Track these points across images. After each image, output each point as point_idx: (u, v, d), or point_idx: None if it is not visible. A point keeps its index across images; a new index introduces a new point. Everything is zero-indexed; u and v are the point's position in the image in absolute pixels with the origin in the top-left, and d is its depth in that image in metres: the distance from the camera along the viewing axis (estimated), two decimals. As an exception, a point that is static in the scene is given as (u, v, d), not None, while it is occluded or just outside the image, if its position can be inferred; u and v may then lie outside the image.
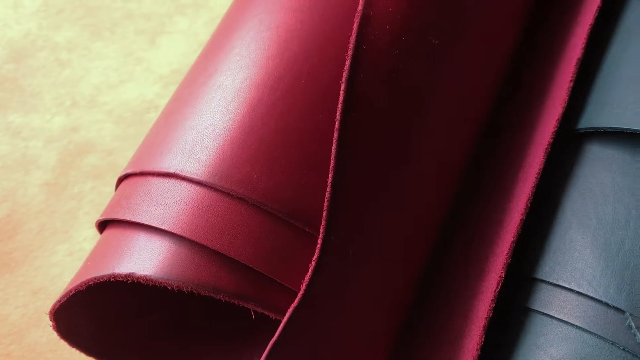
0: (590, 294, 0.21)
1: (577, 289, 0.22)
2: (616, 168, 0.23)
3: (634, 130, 0.23)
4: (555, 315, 0.22)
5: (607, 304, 0.21)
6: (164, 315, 0.28)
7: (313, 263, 0.20)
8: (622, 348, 0.21)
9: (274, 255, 0.21)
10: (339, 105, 0.21)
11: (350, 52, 0.22)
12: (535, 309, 0.23)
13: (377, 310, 0.22)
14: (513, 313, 0.23)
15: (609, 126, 0.23)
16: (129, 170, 0.24)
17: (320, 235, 0.20)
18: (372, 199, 0.21)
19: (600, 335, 0.21)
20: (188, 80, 0.25)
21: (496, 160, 0.27)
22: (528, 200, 0.23)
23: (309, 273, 0.20)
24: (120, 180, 0.24)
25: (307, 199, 0.21)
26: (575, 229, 0.23)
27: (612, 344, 0.21)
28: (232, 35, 0.25)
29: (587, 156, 0.24)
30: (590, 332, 0.21)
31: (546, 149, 0.24)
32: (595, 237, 0.22)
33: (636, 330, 0.20)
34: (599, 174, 0.23)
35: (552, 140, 0.24)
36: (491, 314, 0.22)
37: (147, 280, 0.20)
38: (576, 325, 0.21)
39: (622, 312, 0.21)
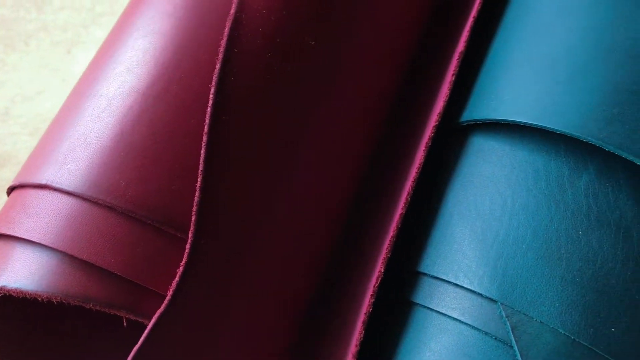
0: (465, 285, 0.22)
1: (454, 281, 0.22)
2: (495, 159, 0.23)
3: (509, 121, 0.23)
4: (435, 308, 0.22)
5: (480, 295, 0.21)
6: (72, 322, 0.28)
7: (181, 268, 0.20)
8: (494, 337, 0.21)
9: (145, 262, 0.21)
10: (208, 109, 0.21)
11: (220, 56, 0.22)
12: (419, 302, 0.23)
13: (261, 312, 0.22)
14: (399, 308, 0.24)
15: (486, 118, 0.24)
16: (12, 183, 0.24)
17: (189, 240, 0.20)
18: (245, 202, 0.22)
19: (474, 326, 0.21)
20: (73, 90, 0.25)
21: (389, 158, 0.27)
22: (408, 195, 0.23)
23: (177, 278, 0.20)
24: (8, 193, 0.24)
25: (179, 204, 0.21)
26: (456, 221, 0.23)
27: (485, 334, 0.21)
28: (114, 44, 0.25)
29: (471, 149, 0.24)
30: (465, 324, 0.21)
31: (426, 143, 0.24)
32: (473, 228, 0.23)
33: (506, 319, 0.21)
34: (479, 165, 0.24)
35: (432, 134, 0.24)
36: (370, 310, 0.22)
37: (17, 292, 0.20)
38: (453, 317, 0.22)
39: (495, 301, 0.21)
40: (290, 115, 0.23)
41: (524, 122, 0.22)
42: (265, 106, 0.22)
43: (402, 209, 0.23)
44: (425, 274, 0.23)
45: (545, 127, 0.22)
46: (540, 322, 0.20)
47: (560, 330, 0.20)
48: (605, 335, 0.20)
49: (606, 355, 0.20)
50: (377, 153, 0.27)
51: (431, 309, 0.22)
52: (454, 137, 0.26)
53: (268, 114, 0.22)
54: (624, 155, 0.20)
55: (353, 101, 0.25)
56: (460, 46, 0.25)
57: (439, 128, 0.24)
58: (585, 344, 0.20)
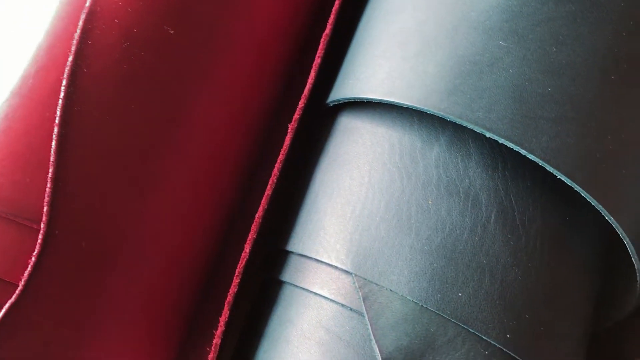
0: (325, 260, 0.22)
1: (316, 257, 0.22)
2: (357, 137, 0.24)
3: (364, 98, 0.23)
4: (300, 285, 0.23)
5: (337, 268, 0.22)
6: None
7: (33, 259, 0.20)
8: (349, 309, 0.21)
9: (1, 254, 0.21)
10: (60, 100, 0.22)
11: (73, 49, 0.22)
12: (286, 280, 0.23)
13: (132, 303, 0.23)
14: (270, 287, 0.24)
15: (346, 97, 0.24)
16: None
17: (42, 231, 0.21)
18: (100, 193, 0.22)
19: (331, 299, 0.22)
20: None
21: (268, 144, 0.27)
22: (274, 177, 0.24)
23: (28, 269, 0.20)
24: None
25: (34, 196, 0.21)
26: (320, 199, 0.24)
27: (342, 305, 0.21)
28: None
29: (337, 129, 0.25)
30: (324, 297, 0.22)
31: (292, 125, 0.24)
32: (334, 205, 0.23)
33: (359, 290, 0.21)
34: (344, 144, 0.24)
35: (298, 117, 0.25)
36: (235, 290, 0.22)
37: None
38: (314, 292, 0.22)
39: (350, 273, 0.22)
40: (152, 104, 0.23)
41: (376, 99, 0.23)
42: (122, 96, 0.23)
43: (268, 190, 0.24)
44: (293, 253, 0.24)
45: (394, 102, 0.22)
46: (390, 290, 0.21)
47: (409, 298, 0.21)
48: (452, 300, 0.21)
49: (453, 320, 0.20)
50: (258, 140, 0.28)
51: (296, 286, 0.23)
52: (325, 119, 0.26)
53: (126, 105, 0.23)
54: (464, 124, 0.21)
55: (224, 89, 0.26)
56: (327, 29, 0.26)
57: (305, 110, 0.25)
58: (433, 310, 0.20)
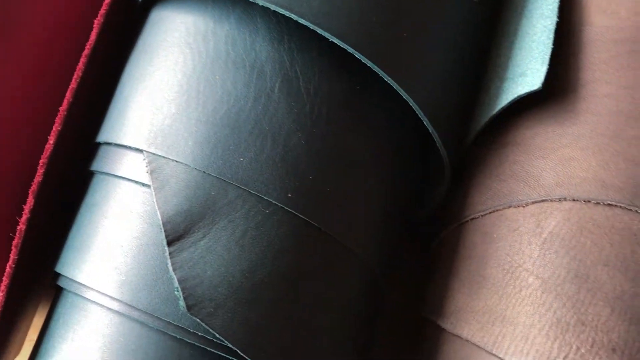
0: (124, 143, 0.23)
1: (116, 142, 0.23)
2: (160, 26, 0.24)
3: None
4: (104, 170, 0.23)
5: (132, 148, 0.22)
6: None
7: None
8: (142, 184, 0.22)
9: None
10: None
11: None
12: (95, 169, 0.24)
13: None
14: (85, 180, 0.24)
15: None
16: None
17: None
18: None
19: (128, 178, 0.22)
20: None
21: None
22: (79, 71, 0.24)
23: None
24: None
25: None
26: (126, 88, 0.24)
27: (136, 182, 0.22)
28: None
29: (147, 22, 0.25)
30: (122, 177, 0.22)
31: (98, 20, 0.25)
32: (135, 92, 0.23)
33: (148, 165, 0.22)
34: (150, 35, 0.24)
35: (105, 12, 0.25)
36: (40, 179, 0.23)
37: None
38: (115, 174, 0.23)
39: (142, 151, 0.22)
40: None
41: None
42: None
43: (73, 83, 0.24)
44: (101, 143, 0.24)
45: (179, -18, 0.22)
46: (176, 162, 0.21)
47: (192, 166, 0.21)
48: (233, 165, 0.21)
49: (234, 183, 0.21)
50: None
51: (102, 172, 0.23)
52: (140, 15, 0.26)
53: None
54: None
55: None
56: None
57: (112, 6, 0.25)
58: (214, 175, 0.21)
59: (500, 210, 0.23)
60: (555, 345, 0.20)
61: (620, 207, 0.21)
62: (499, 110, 0.24)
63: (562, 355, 0.20)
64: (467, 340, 0.22)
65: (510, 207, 0.23)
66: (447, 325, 0.23)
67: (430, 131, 0.23)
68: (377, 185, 0.23)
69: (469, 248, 0.24)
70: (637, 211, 0.21)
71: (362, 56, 0.21)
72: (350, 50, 0.21)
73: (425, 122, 0.23)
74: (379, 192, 0.23)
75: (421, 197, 0.29)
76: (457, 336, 0.23)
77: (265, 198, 0.21)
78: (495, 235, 0.23)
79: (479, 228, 0.24)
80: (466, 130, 0.26)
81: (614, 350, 0.19)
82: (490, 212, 0.24)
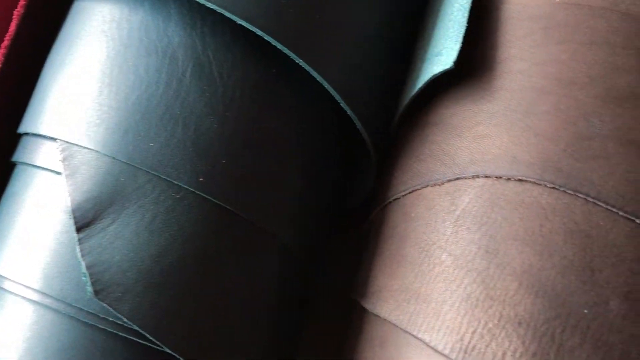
0: (42, 133, 0.23)
1: (34, 132, 0.23)
2: (81, 16, 0.24)
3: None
4: (24, 161, 0.23)
5: (48, 137, 0.22)
6: None
7: None
8: (56, 172, 0.22)
9: None
10: None
11: None
12: (17, 160, 0.24)
13: None
14: (10, 172, 0.24)
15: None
16: None
17: None
18: None
19: (40, 166, 0.22)
20: None
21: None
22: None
23: None
24: None
25: None
26: (47, 79, 0.24)
27: (50, 171, 0.22)
28: None
29: (71, 11, 0.25)
30: (34, 165, 0.23)
31: (17, 11, 0.25)
32: (54, 81, 0.23)
33: (61, 152, 0.22)
34: (71, 25, 0.25)
35: (25, 2, 0.25)
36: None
37: None
38: (32, 164, 0.23)
39: (55, 139, 0.22)
40: None
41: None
42: None
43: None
44: (24, 134, 0.24)
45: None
46: (87, 149, 0.21)
47: (102, 152, 0.21)
48: (143, 150, 0.21)
49: (143, 168, 0.21)
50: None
51: (22, 163, 0.23)
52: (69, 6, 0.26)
53: None
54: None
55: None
56: None
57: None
58: (124, 160, 0.21)
59: (418, 189, 0.23)
60: (464, 320, 0.20)
61: (530, 181, 0.21)
62: (417, 92, 0.24)
63: (471, 330, 0.20)
64: (385, 320, 0.22)
65: (427, 186, 0.23)
66: (369, 305, 0.23)
67: (348, 113, 0.23)
68: (295, 169, 0.23)
69: (391, 228, 0.24)
70: (546, 185, 0.21)
71: (270, 38, 0.21)
72: (260, 32, 0.21)
73: (342, 103, 0.23)
74: (297, 176, 0.23)
75: (355, 183, 0.29)
76: (377, 316, 0.23)
77: (176, 183, 0.21)
78: (413, 215, 0.23)
79: (400, 208, 0.24)
80: (394, 113, 0.26)
81: (520, 323, 0.19)
82: (410, 192, 0.24)
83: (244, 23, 0.21)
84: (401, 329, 0.22)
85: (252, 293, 0.22)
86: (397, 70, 0.26)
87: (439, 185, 0.23)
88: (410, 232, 0.23)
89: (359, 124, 0.23)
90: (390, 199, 0.25)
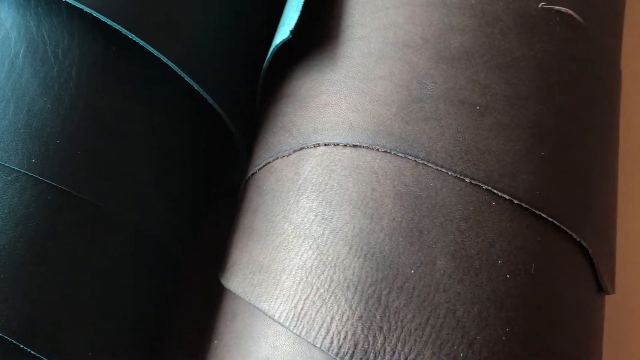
0: None
1: None
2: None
3: None
4: None
5: None
6: None
7: None
8: None
9: None
10: None
11: None
12: None
13: None
14: None
15: None
16: None
17: None
18: None
19: None
20: None
21: None
22: None
23: None
24: None
25: None
26: None
27: None
28: None
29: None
30: None
31: None
32: None
33: None
34: None
35: None
36: None
37: None
38: None
39: None
40: None
41: None
42: None
43: None
44: None
45: None
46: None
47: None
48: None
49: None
50: None
51: None
52: None
53: None
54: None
55: None
56: None
57: None
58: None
59: (270, 162, 0.23)
60: (299, 287, 0.20)
61: (364, 147, 0.21)
62: (266, 65, 0.24)
63: (304, 296, 0.20)
64: (235, 293, 0.22)
65: (277, 158, 0.23)
66: (224, 280, 0.23)
67: (196, 88, 0.23)
68: (143, 150, 0.23)
69: (247, 203, 0.24)
70: (378, 150, 0.21)
71: (99, 14, 0.21)
72: (87, 9, 0.21)
73: (187, 78, 0.23)
74: (146, 157, 0.23)
75: (232, 163, 0.29)
76: (230, 291, 0.23)
77: (7, 165, 0.21)
78: (264, 188, 0.23)
79: (255, 182, 0.24)
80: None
81: (348, 287, 0.19)
82: (263, 166, 0.24)
83: (71, 1, 0.21)
84: (245, 301, 0.21)
85: (104, 278, 0.22)
86: (256, 46, 0.26)
87: (287, 156, 0.23)
88: (261, 204, 0.23)
89: (209, 98, 0.23)
90: (250, 174, 0.25)
